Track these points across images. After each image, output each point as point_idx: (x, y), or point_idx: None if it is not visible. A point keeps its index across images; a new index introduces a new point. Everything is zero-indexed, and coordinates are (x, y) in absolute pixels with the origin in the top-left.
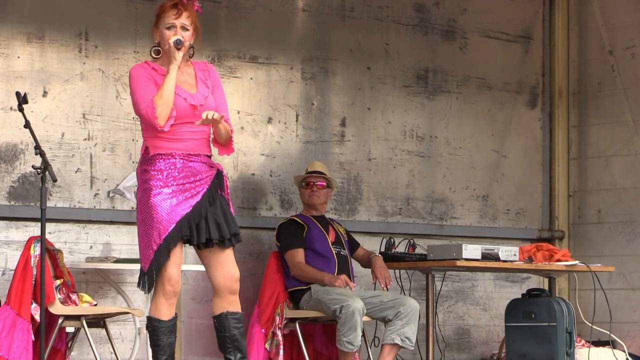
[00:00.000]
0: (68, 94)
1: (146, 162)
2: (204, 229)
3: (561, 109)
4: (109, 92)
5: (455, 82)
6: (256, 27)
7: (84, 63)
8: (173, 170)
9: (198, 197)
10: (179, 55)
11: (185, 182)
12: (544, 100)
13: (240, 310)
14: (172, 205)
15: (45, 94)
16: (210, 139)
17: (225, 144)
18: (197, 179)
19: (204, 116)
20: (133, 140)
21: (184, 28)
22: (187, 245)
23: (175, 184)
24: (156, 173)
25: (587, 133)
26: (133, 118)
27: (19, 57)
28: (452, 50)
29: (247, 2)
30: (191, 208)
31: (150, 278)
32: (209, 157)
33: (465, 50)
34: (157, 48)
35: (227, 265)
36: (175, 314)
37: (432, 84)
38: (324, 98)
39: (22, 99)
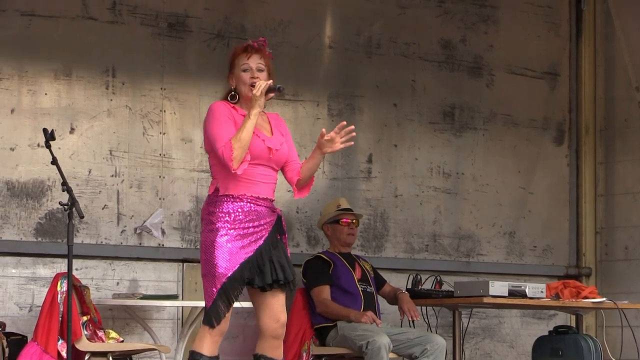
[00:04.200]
0: (95, 130)
1: (214, 204)
2: (270, 271)
3: (588, 146)
4: (136, 128)
5: (481, 119)
6: (283, 64)
7: (111, 100)
8: (239, 214)
9: (260, 242)
10: (264, 101)
11: (249, 225)
12: (570, 137)
13: (279, 358)
14: (236, 247)
15: (72, 130)
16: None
17: (306, 182)
18: (261, 223)
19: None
20: (160, 176)
21: (259, 69)
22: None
23: (240, 227)
24: (223, 215)
25: (614, 169)
26: (160, 155)
27: (46, 94)
28: (479, 87)
29: (274, 39)
30: (254, 252)
31: (216, 314)
32: (272, 202)
33: (491, 87)
34: (233, 93)
35: (276, 310)
36: (218, 354)
37: (458, 120)
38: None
39: (50, 136)
